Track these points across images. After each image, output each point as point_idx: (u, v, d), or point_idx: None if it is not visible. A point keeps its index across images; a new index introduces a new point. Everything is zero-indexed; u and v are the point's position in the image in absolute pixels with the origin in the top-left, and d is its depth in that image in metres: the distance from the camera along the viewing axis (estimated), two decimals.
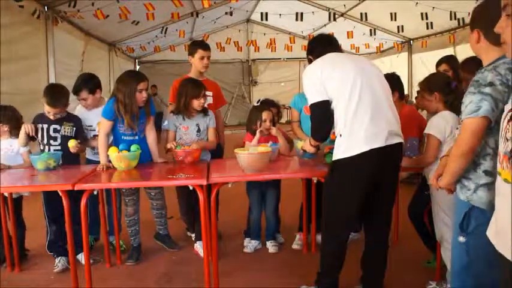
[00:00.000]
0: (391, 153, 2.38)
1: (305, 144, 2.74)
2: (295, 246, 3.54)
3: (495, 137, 1.68)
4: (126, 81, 3.09)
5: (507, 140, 1.29)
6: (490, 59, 1.75)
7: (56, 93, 3.20)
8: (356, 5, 8.82)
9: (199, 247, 3.38)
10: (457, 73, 3.34)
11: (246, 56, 14.16)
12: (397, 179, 2.68)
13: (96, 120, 3.32)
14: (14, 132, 3.24)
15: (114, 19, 7.38)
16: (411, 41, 10.23)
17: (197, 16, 9.45)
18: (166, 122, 3.42)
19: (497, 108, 1.63)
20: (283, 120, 4.81)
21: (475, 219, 1.74)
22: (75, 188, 2.52)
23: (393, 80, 3.03)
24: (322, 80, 2.38)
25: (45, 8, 6.22)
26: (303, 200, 3.44)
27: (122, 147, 3.00)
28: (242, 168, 2.72)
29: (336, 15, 9.46)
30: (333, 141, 2.49)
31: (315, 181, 3.05)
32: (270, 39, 11.74)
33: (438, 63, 3.81)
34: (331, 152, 2.53)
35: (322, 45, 2.66)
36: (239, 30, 12.80)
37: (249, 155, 2.69)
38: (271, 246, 3.49)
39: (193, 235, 3.66)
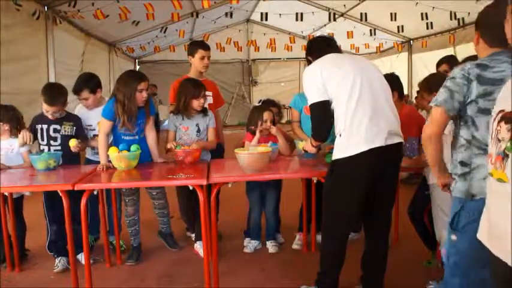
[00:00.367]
0: (391, 153, 2.38)
1: (306, 144, 2.74)
2: (295, 246, 3.55)
3: (469, 129, 1.80)
4: (126, 81, 3.09)
5: (499, 140, 1.29)
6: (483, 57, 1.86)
7: (54, 92, 3.20)
8: (356, 5, 8.81)
9: (199, 247, 3.38)
10: None
11: (246, 56, 14.15)
12: (397, 179, 2.68)
13: (96, 119, 3.32)
14: (14, 131, 3.24)
15: (114, 19, 7.37)
16: (411, 41, 10.22)
17: (197, 16, 9.44)
18: (166, 122, 3.42)
19: (453, 98, 1.79)
20: (283, 120, 4.80)
21: (464, 218, 1.80)
22: (75, 188, 2.52)
23: (393, 80, 3.04)
24: (322, 80, 2.39)
25: (45, 8, 6.22)
26: (303, 200, 3.44)
27: (122, 147, 3.00)
28: (242, 168, 2.72)
29: (336, 15, 9.46)
30: (333, 141, 2.49)
31: (315, 181, 3.05)
32: (270, 39, 11.73)
33: (438, 64, 3.81)
34: (331, 152, 2.53)
35: (321, 46, 2.67)
36: (239, 30, 12.80)
37: (249, 155, 2.69)
38: (271, 246, 3.49)
39: (193, 235, 3.66)
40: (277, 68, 14.39)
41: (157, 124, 3.43)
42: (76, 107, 3.63)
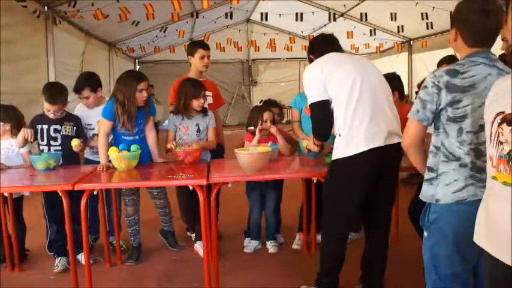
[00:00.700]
0: (391, 153, 2.38)
1: (309, 143, 2.75)
2: (295, 246, 3.55)
3: (439, 136, 1.81)
4: (126, 81, 3.09)
5: (501, 143, 1.28)
6: (462, 57, 1.84)
7: (55, 91, 3.20)
8: (356, 5, 8.81)
9: (199, 247, 3.38)
10: None
11: (246, 56, 14.14)
12: (396, 178, 2.68)
13: (95, 119, 3.32)
14: (15, 131, 3.24)
15: (114, 19, 7.37)
16: (411, 41, 10.22)
17: (197, 16, 9.44)
18: (166, 122, 3.42)
19: (425, 109, 1.78)
20: (284, 120, 4.79)
21: (430, 218, 1.85)
22: (75, 188, 2.52)
23: (393, 80, 3.04)
24: (322, 79, 2.39)
25: (45, 8, 6.22)
26: (303, 200, 3.44)
27: (122, 147, 3.00)
28: (242, 168, 2.72)
29: (336, 15, 9.45)
30: (333, 141, 2.49)
31: (315, 181, 3.06)
32: (270, 39, 11.74)
33: (439, 64, 3.81)
34: (330, 152, 2.53)
35: (323, 45, 2.67)
36: (239, 30, 12.79)
37: (249, 155, 2.69)
38: (271, 246, 3.49)
39: (193, 235, 3.66)
40: (277, 68, 14.39)
41: (156, 124, 3.43)
42: (76, 106, 3.64)
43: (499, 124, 1.29)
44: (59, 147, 3.22)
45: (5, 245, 3.18)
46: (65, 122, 3.24)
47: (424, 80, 2.94)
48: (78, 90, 3.36)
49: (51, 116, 3.17)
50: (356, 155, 2.31)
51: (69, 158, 3.24)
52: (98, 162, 3.09)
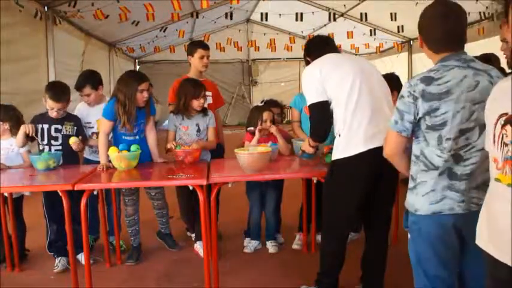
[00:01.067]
0: None
1: (304, 144, 2.75)
2: (295, 246, 3.55)
3: (419, 144, 1.79)
4: (127, 82, 3.10)
5: (506, 144, 1.27)
6: (434, 63, 1.83)
7: (58, 89, 3.22)
8: (356, 5, 8.81)
9: (199, 247, 3.38)
10: None
11: (246, 56, 14.14)
12: (396, 178, 2.68)
13: (95, 117, 3.33)
14: (14, 131, 3.24)
15: (114, 19, 7.37)
16: (411, 41, 10.22)
17: (197, 16, 9.44)
18: (166, 122, 3.42)
19: (403, 120, 1.76)
20: (284, 120, 4.78)
21: (409, 220, 1.88)
22: (75, 188, 2.52)
23: (392, 80, 3.04)
24: (321, 80, 2.39)
25: (45, 8, 6.22)
26: (303, 200, 3.44)
27: (122, 147, 3.00)
28: (242, 168, 2.72)
29: (336, 15, 9.45)
30: (332, 141, 2.49)
31: (314, 181, 3.06)
32: (270, 39, 11.73)
33: None
34: (330, 152, 2.53)
35: (319, 47, 2.68)
36: (239, 30, 12.78)
37: (249, 155, 2.69)
38: (271, 246, 3.49)
39: (193, 235, 3.66)
40: (277, 68, 14.38)
41: (155, 124, 3.44)
42: (77, 105, 3.65)
43: (503, 125, 1.27)
44: (60, 147, 3.22)
45: (5, 245, 3.18)
46: (66, 122, 3.25)
47: None
48: (79, 87, 3.39)
49: (54, 114, 3.17)
50: (356, 155, 2.31)
51: (69, 158, 3.25)
52: (98, 162, 3.09)
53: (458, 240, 1.77)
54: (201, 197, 2.57)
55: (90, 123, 3.45)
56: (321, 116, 2.44)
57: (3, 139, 3.24)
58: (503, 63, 1.94)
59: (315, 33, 10.75)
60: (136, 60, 13.38)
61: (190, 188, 2.67)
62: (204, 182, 2.57)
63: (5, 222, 3.18)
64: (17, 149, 3.22)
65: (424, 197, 1.77)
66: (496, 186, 1.33)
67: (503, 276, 1.28)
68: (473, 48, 4.76)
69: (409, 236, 1.89)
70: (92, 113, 3.42)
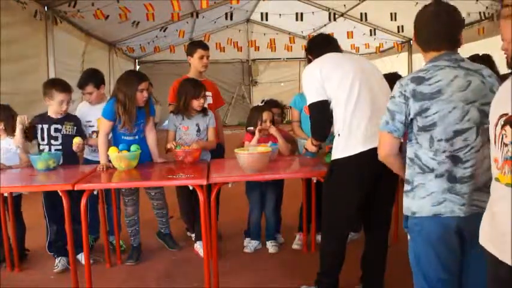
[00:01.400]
0: None
1: (307, 143, 2.75)
2: (295, 246, 3.54)
3: (412, 147, 1.78)
4: (127, 81, 3.10)
5: (505, 145, 1.27)
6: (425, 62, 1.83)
7: (62, 81, 3.28)
8: (356, 5, 8.81)
9: (199, 247, 3.38)
10: None
11: (246, 56, 14.14)
12: (396, 178, 2.67)
13: (96, 116, 3.33)
14: (9, 130, 3.24)
15: (114, 19, 7.37)
16: (411, 41, 10.21)
17: (197, 16, 9.44)
18: (166, 122, 3.43)
19: (394, 120, 1.76)
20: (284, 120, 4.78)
21: (408, 221, 1.88)
22: (75, 188, 2.52)
23: (394, 79, 3.02)
24: (321, 79, 2.39)
25: (45, 8, 6.22)
26: (303, 200, 3.44)
27: (121, 147, 3.00)
28: (242, 168, 2.72)
29: (336, 15, 9.45)
30: (332, 141, 2.49)
31: (314, 181, 3.06)
32: (270, 39, 11.74)
33: None
34: (330, 152, 2.53)
35: (321, 45, 2.67)
36: (239, 30, 12.79)
37: (249, 155, 2.69)
38: (271, 246, 3.49)
39: (193, 235, 3.66)
40: (277, 68, 14.39)
41: (154, 125, 3.45)
42: (78, 105, 3.67)
43: (503, 126, 1.28)
44: (60, 147, 3.22)
45: (5, 245, 3.18)
46: (65, 122, 3.25)
47: None
48: (81, 85, 3.42)
49: (64, 107, 3.17)
50: (356, 155, 2.31)
51: (69, 158, 3.24)
52: (98, 162, 3.09)
53: (460, 242, 1.75)
54: (201, 197, 2.57)
55: (90, 121, 3.46)
56: (321, 116, 2.44)
57: (2, 139, 3.23)
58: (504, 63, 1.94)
59: (315, 33, 10.77)
60: (136, 60, 13.38)
61: (190, 188, 2.67)
62: (204, 182, 2.56)
63: (5, 223, 3.18)
64: (14, 148, 3.21)
65: (425, 199, 1.75)
66: (496, 186, 1.34)
67: (504, 276, 1.28)
68: (473, 48, 4.76)
69: (408, 237, 1.88)
70: (92, 111, 3.43)
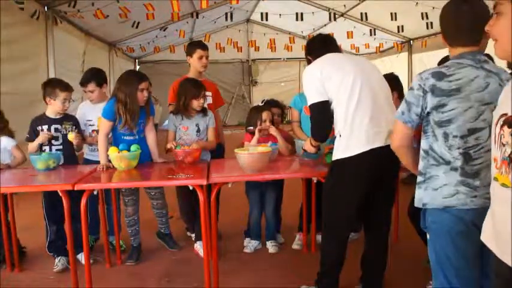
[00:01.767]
0: (391, 153, 2.36)
1: (305, 144, 2.74)
2: (295, 246, 3.55)
3: (428, 139, 1.79)
4: (127, 81, 3.10)
5: (503, 145, 1.28)
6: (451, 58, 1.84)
7: (62, 81, 3.30)
8: (356, 5, 8.80)
9: (199, 247, 3.38)
10: None
11: (246, 56, 14.14)
12: (397, 178, 2.68)
13: (96, 115, 3.34)
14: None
15: (114, 19, 7.37)
16: (411, 41, 10.21)
17: (197, 16, 9.44)
18: (166, 122, 3.43)
19: (410, 111, 1.78)
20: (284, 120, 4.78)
21: (426, 219, 1.84)
22: (75, 188, 2.52)
23: (393, 80, 3.04)
24: (322, 80, 2.39)
25: (45, 8, 6.22)
26: (303, 200, 3.44)
27: (122, 147, 3.00)
28: (242, 168, 2.72)
29: (336, 15, 9.45)
30: (333, 141, 2.49)
31: (314, 181, 3.06)
32: (270, 39, 11.73)
33: (440, 63, 3.81)
34: (331, 152, 2.53)
35: (321, 46, 2.67)
36: (239, 30, 12.79)
37: (249, 155, 2.69)
38: (271, 246, 3.49)
39: (193, 235, 3.66)
40: (277, 68, 14.38)
41: (155, 126, 3.45)
42: (79, 104, 3.71)
43: (501, 126, 1.29)
44: (61, 146, 3.22)
45: (5, 245, 3.18)
46: (65, 122, 3.26)
47: None
48: (84, 83, 3.46)
49: (66, 105, 3.20)
50: (357, 155, 2.31)
51: (69, 158, 3.25)
52: (98, 162, 3.09)
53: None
54: (201, 197, 2.57)
55: (90, 120, 3.47)
56: (322, 116, 2.44)
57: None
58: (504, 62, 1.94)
59: (315, 33, 10.76)
60: (136, 60, 13.38)
61: (190, 188, 2.67)
62: (204, 182, 2.56)
63: (5, 223, 3.18)
64: (3, 145, 3.20)
65: (437, 191, 1.76)
66: (494, 185, 1.35)
67: (505, 274, 1.28)
68: None
69: (428, 236, 1.87)
70: (93, 111, 3.44)
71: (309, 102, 2.45)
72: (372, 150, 2.30)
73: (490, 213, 1.41)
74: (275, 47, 11.75)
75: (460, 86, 1.70)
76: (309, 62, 2.67)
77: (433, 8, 7.32)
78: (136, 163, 2.98)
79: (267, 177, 2.88)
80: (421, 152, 1.84)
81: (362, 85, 2.35)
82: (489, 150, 1.67)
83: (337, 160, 2.39)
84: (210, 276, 2.64)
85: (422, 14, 7.75)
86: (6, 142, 3.21)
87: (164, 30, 9.64)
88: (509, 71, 1.83)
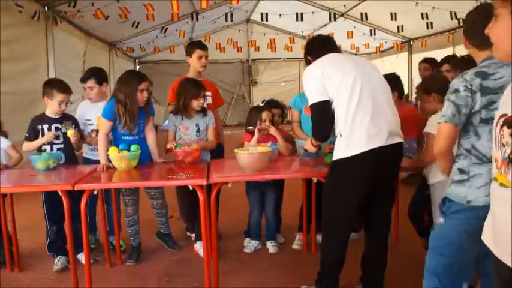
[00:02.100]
0: (392, 153, 2.38)
1: (306, 143, 2.74)
2: (295, 246, 3.54)
3: (469, 139, 1.81)
4: (127, 81, 3.10)
5: (503, 145, 1.29)
6: (479, 61, 1.86)
7: (61, 81, 3.32)
8: (356, 5, 8.81)
9: (199, 247, 3.38)
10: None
11: (246, 56, 14.14)
12: (397, 178, 2.68)
13: (95, 115, 3.34)
14: None
15: (114, 19, 7.37)
16: (411, 41, 10.22)
17: (197, 17, 9.45)
18: (166, 122, 3.43)
19: (460, 113, 1.78)
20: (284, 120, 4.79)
21: (455, 206, 1.85)
22: (75, 188, 2.51)
23: (393, 80, 3.04)
24: (322, 80, 2.39)
25: (45, 8, 6.22)
26: (303, 200, 3.44)
27: (122, 147, 3.00)
28: (242, 168, 2.72)
29: (336, 15, 9.45)
30: (333, 141, 2.49)
31: (315, 181, 3.05)
32: (270, 39, 11.74)
33: (441, 63, 3.83)
34: (331, 152, 2.53)
35: (321, 46, 2.67)
36: (239, 31, 12.79)
37: (249, 155, 2.69)
38: (271, 246, 3.49)
39: (193, 235, 3.66)
40: (277, 68, 14.39)
41: (156, 128, 3.46)
42: (79, 104, 3.70)
43: (501, 126, 1.30)
44: (62, 145, 3.22)
45: (5, 245, 3.18)
46: (64, 121, 3.26)
47: (423, 81, 2.95)
48: (84, 79, 3.49)
49: (62, 108, 3.20)
50: (357, 155, 2.31)
51: (69, 158, 3.25)
52: (97, 162, 3.09)
53: None
54: (201, 197, 2.56)
55: (90, 120, 3.47)
56: (322, 116, 2.44)
57: None
58: None
59: (315, 33, 10.76)
60: (136, 60, 13.38)
61: (190, 188, 2.67)
62: (204, 182, 2.56)
63: (5, 223, 3.18)
64: (4, 147, 3.20)
65: (480, 189, 1.77)
66: (494, 185, 1.36)
67: (505, 275, 1.29)
68: None
69: (441, 220, 1.89)
70: (92, 110, 3.44)
71: (310, 102, 2.45)
72: (372, 150, 2.30)
73: (490, 214, 1.41)
74: (275, 47, 11.76)
75: (504, 84, 1.71)
76: (308, 63, 2.67)
77: (433, 8, 7.34)
78: (136, 163, 2.97)
79: (267, 177, 2.88)
80: (462, 150, 1.85)
81: (362, 85, 2.35)
82: None
83: (338, 160, 2.39)
84: (210, 276, 2.64)
85: (422, 14, 7.76)
86: (1, 143, 3.21)
87: (164, 32, 9.64)
88: None
